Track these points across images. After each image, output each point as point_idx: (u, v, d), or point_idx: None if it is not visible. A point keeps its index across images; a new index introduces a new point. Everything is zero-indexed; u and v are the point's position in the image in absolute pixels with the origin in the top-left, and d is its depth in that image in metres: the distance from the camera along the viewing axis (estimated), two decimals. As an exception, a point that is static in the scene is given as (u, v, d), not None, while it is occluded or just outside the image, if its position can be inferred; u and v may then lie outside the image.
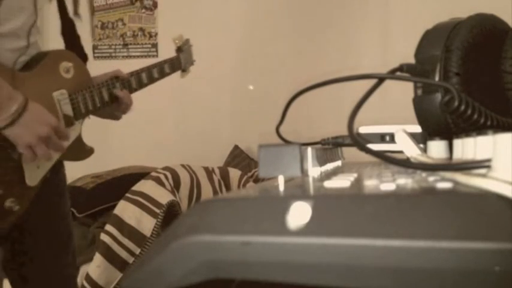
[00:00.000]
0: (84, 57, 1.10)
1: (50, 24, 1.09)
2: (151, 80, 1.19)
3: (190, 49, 1.36)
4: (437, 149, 0.49)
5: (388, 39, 2.26)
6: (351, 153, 0.71)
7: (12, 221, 0.92)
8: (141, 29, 2.71)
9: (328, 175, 0.43)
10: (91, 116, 1.12)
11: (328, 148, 0.64)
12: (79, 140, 1.07)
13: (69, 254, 1.13)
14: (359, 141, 0.38)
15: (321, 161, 0.49)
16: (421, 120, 0.53)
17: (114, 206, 1.71)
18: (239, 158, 2.45)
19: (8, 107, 0.84)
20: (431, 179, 0.34)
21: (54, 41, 1.12)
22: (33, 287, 1.07)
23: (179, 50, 1.30)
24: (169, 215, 1.70)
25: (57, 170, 1.09)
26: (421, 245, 0.23)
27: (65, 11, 1.11)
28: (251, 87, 2.39)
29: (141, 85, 1.17)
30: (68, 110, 1.01)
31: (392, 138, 0.66)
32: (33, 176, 0.95)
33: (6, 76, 0.90)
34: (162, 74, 1.22)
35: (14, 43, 0.94)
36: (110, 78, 1.10)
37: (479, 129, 0.41)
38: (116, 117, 1.16)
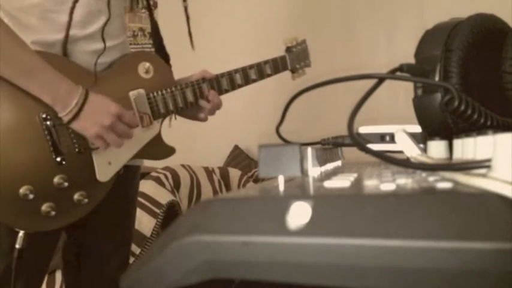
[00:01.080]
0: (166, 58, 1.10)
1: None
2: (248, 81, 1.15)
3: (306, 49, 1.29)
4: (437, 149, 0.49)
5: (389, 39, 2.26)
6: (351, 153, 0.71)
7: (81, 214, 0.94)
8: (141, 29, 2.71)
9: (328, 175, 0.43)
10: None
11: (328, 148, 0.64)
12: (158, 139, 1.06)
13: (123, 259, 1.14)
14: (359, 141, 0.38)
15: (321, 161, 0.49)
16: (421, 120, 0.53)
17: (114, 206, 1.71)
18: (239, 158, 2.45)
19: (69, 102, 0.87)
20: (431, 179, 0.34)
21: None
22: (81, 279, 1.09)
23: (288, 50, 1.25)
24: (169, 215, 1.70)
25: (134, 173, 1.10)
26: (421, 245, 0.23)
27: (152, 13, 1.12)
28: None
29: (233, 86, 1.13)
30: (145, 109, 1.01)
31: (392, 138, 0.66)
32: (105, 172, 0.96)
33: (83, 76, 0.92)
34: (262, 75, 1.17)
35: (93, 45, 0.96)
36: (197, 79, 1.09)
37: (479, 129, 0.41)
38: (201, 119, 1.13)
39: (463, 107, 0.43)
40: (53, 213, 0.88)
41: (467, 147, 0.38)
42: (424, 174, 0.39)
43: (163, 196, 1.73)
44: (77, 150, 0.91)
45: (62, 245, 1.09)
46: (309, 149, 0.44)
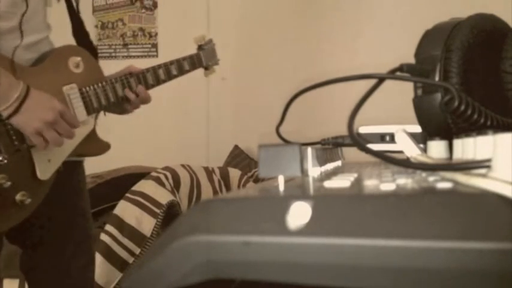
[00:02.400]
0: (94, 53, 1.09)
1: (60, 23, 1.07)
2: (170, 77, 1.17)
3: (214, 48, 1.33)
4: (437, 149, 0.49)
5: (389, 39, 2.26)
6: (351, 153, 0.71)
7: (24, 215, 0.91)
8: (141, 29, 2.71)
9: (328, 175, 0.43)
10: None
11: (328, 148, 0.64)
12: (93, 134, 1.05)
13: (84, 256, 1.10)
14: (359, 141, 0.38)
15: (321, 161, 0.49)
16: (421, 120, 0.53)
17: (114, 206, 1.71)
18: (239, 158, 2.45)
19: (9, 96, 0.84)
20: (431, 179, 0.34)
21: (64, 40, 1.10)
22: (47, 284, 1.06)
23: (200, 48, 1.28)
24: (169, 215, 1.70)
25: (73, 168, 1.07)
26: (421, 245, 0.23)
27: (73, 9, 1.10)
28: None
29: (158, 81, 1.15)
30: (79, 104, 1.00)
31: (392, 138, 0.66)
32: (45, 169, 0.94)
33: (15, 71, 0.89)
34: (181, 71, 1.20)
35: (19, 39, 0.94)
36: (124, 74, 1.09)
37: (479, 129, 0.41)
38: (127, 111, 1.14)
39: (463, 107, 0.43)
40: None
41: (467, 147, 0.38)
42: (424, 174, 0.39)
43: (163, 196, 1.72)
44: (16, 148, 0.88)
45: (19, 257, 1.05)
46: (309, 149, 0.44)
